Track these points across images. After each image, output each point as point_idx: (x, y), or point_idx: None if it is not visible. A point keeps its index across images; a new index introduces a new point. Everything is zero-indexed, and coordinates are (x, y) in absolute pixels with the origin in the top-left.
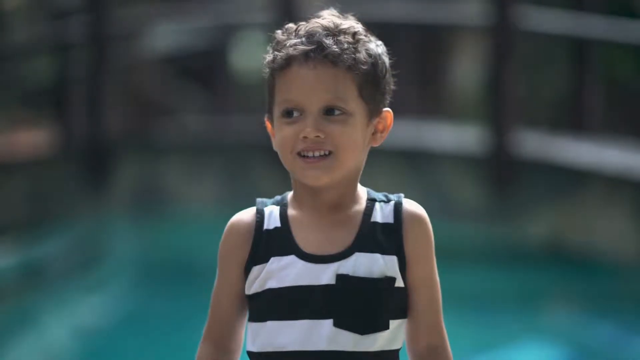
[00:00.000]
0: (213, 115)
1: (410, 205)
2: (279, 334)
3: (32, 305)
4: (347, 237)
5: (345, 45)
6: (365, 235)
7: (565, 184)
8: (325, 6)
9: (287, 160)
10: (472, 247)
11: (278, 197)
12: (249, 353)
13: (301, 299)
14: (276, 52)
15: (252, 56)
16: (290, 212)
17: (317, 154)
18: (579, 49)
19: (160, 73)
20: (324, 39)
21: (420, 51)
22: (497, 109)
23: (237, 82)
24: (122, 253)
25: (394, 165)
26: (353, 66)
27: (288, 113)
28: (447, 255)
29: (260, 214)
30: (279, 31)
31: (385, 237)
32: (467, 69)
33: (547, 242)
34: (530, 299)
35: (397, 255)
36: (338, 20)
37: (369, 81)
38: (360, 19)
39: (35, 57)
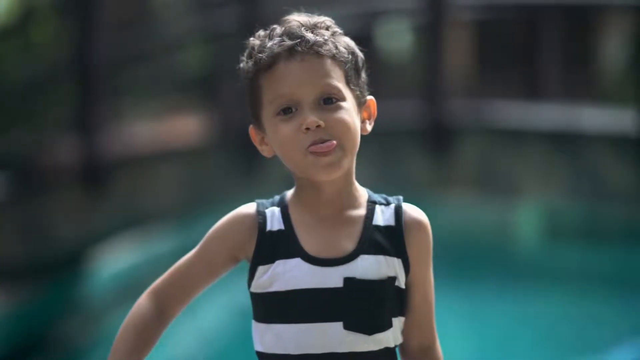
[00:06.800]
0: None
1: (411, 209)
2: (287, 337)
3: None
4: (350, 240)
5: (326, 36)
6: (368, 238)
7: None
8: (294, 9)
9: (296, 158)
10: (624, 229)
11: (276, 198)
12: (258, 353)
13: (308, 302)
14: (258, 55)
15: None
16: (292, 213)
17: (325, 144)
18: None
19: None
20: (304, 33)
21: (567, 31)
22: None
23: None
24: None
25: (544, 147)
26: (337, 54)
27: (284, 110)
28: (598, 237)
29: (262, 215)
30: (251, 38)
31: (387, 240)
32: (616, 48)
33: None
34: None
35: (399, 258)
36: (311, 18)
37: (352, 69)
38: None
39: (189, 47)
